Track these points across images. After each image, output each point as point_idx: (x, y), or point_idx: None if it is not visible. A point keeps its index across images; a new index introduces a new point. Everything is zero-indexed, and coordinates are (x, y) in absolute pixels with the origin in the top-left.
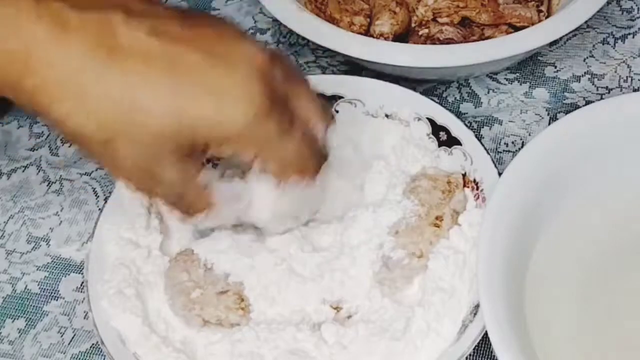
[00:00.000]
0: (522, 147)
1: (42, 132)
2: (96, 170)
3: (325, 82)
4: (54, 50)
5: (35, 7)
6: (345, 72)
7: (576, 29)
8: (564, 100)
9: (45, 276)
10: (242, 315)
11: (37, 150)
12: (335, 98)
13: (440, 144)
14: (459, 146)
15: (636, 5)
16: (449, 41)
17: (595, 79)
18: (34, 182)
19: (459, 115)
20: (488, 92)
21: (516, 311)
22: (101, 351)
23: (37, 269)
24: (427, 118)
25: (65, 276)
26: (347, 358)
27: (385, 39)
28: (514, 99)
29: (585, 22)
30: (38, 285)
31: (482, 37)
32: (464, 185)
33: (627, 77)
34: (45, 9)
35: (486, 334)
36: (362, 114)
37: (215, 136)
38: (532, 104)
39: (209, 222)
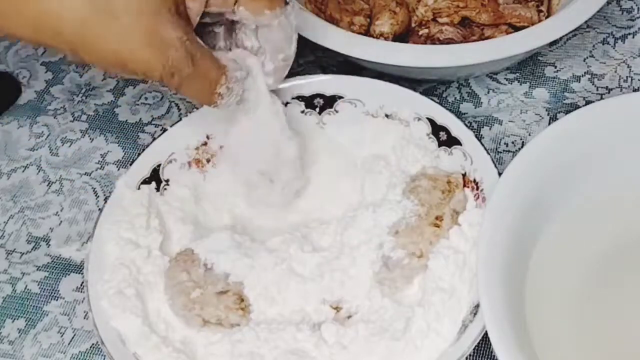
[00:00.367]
0: (522, 147)
1: (42, 132)
2: (96, 170)
3: (325, 82)
4: None
5: None
6: (345, 72)
7: (576, 29)
8: (564, 100)
9: (45, 276)
10: (242, 315)
11: (37, 150)
12: (335, 98)
13: (440, 144)
14: (459, 146)
15: (636, 5)
16: (449, 41)
17: (595, 79)
18: (34, 182)
19: (459, 115)
20: (488, 92)
21: (516, 311)
22: (101, 351)
23: (37, 269)
24: (427, 118)
25: (65, 276)
26: (347, 358)
27: (385, 39)
28: (514, 99)
29: (585, 22)
30: (38, 285)
31: (482, 37)
32: (464, 185)
33: (627, 77)
34: None
35: (486, 334)
36: (362, 114)
37: None
38: (532, 104)
39: (231, 96)
